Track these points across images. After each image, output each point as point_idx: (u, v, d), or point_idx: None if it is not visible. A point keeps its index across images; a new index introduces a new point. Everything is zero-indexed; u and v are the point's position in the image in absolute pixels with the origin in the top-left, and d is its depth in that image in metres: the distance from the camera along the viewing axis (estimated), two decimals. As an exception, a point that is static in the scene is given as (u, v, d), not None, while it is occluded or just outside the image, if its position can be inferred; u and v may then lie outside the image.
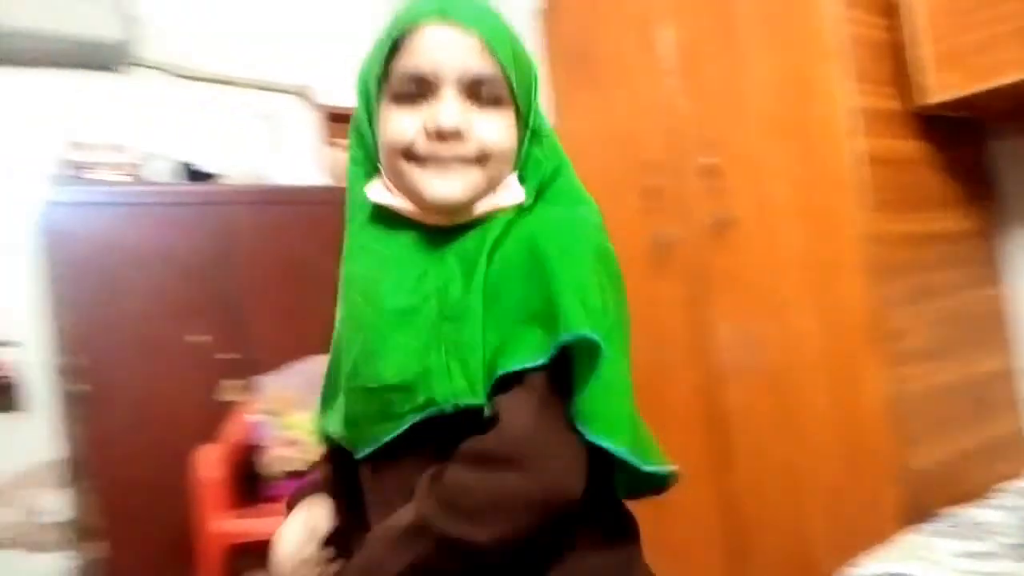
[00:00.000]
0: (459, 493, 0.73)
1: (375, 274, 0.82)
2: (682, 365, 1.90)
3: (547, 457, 0.72)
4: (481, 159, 0.79)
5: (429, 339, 0.77)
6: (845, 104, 1.56)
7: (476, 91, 0.79)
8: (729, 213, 1.77)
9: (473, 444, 0.74)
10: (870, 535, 1.42)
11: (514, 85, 0.80)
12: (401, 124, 0.79)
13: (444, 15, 0.77)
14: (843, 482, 1.60)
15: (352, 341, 0.83)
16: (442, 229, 0.81)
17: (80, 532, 2.53)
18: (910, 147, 1.65)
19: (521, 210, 0.82)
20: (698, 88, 1.84)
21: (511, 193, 0.82)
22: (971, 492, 1.53)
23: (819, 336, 1.63)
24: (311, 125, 3.29)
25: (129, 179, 2.72)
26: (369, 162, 0.85)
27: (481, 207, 0.81)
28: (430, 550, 0.73)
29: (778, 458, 1.72)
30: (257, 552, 1.34)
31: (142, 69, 2.96)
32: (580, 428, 0.73)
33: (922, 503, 1.50)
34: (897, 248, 1.59)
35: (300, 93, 3.26)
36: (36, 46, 2.66)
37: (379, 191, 0.83)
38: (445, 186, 0.78)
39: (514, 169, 0.82)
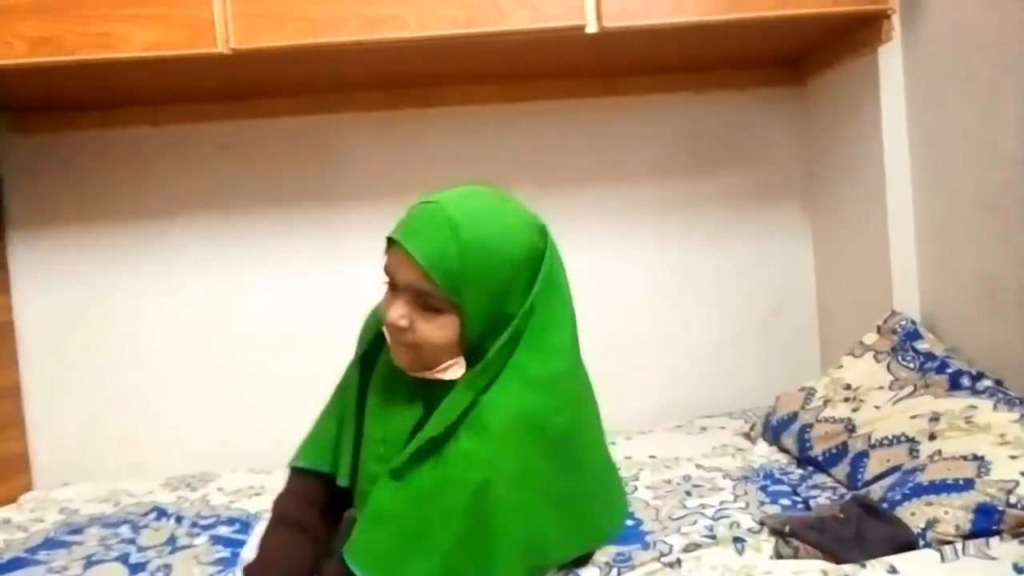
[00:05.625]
0: None
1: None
2: None
3: None
4: (416, 347, 0.98)
5: None
6: None
7: (420, 300, 0.97)
8: None
9: None
10: None
11: (456, 298, 0.95)
12: (384, 304, 1.00)
13: (404, 239, 0.95)
14: None
15: None
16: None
17: None
18: None
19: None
20: None
21: (453, 372, 1.00)
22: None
23: None
24: None
25: None
26: None
27: (429, 375, 1.01)
28: None
29: None
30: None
31: None
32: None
33: None
34: None
35: None
36: None
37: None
38: (396, 357, 1.01)
39: (459, 354, 1.00)
